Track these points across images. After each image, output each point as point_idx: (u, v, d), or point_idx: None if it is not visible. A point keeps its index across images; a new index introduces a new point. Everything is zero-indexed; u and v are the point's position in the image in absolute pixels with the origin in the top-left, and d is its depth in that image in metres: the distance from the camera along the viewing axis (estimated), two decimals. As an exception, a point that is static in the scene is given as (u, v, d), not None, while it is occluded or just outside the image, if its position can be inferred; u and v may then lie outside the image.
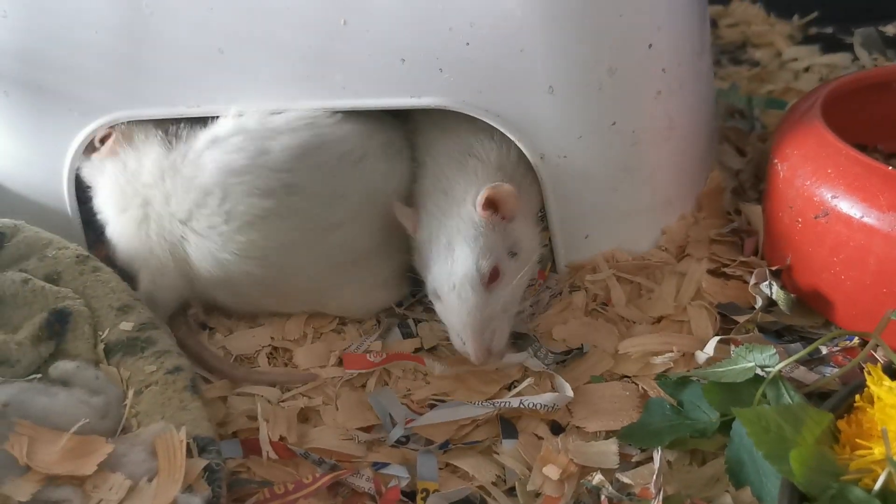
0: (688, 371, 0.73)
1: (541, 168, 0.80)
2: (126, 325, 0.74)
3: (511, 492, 0.66)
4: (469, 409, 0.72)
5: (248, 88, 0.81)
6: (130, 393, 0.69)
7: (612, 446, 0.68)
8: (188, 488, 0.60)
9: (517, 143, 0.79)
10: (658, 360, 0.76)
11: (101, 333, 0.73)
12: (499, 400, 0.72)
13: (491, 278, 0.73)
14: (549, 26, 0.76)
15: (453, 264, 0.74)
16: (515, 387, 0.75)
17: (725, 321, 0.80)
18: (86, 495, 0.60)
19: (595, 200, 0.84)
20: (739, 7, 1.45)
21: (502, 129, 0.79)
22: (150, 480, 0.61)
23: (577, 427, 0.71)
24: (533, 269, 0.80)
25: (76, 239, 0.87)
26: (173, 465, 0.61)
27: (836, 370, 0.70)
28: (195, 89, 0.81)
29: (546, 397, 0.71)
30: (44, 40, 0.81)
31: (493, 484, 0.67)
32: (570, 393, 0.72)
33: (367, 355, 0.79)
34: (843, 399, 0.58)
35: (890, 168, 0.71)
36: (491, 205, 0.75)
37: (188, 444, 0.63)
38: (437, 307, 0.76)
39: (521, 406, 0.71)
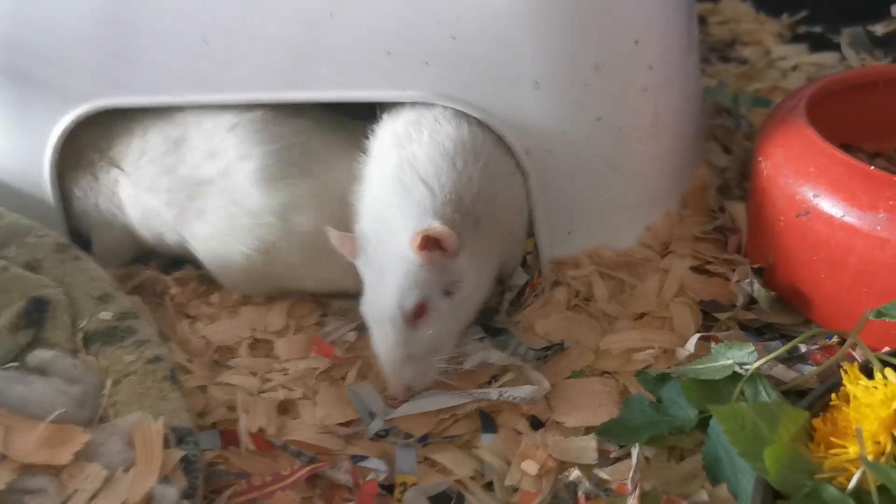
0: (668, 367, 0.73)
1: (526, 163, 0.80)
2: (105, 315, 0.73)
3: (489, 486, 0.66)
4: (446, 398, 0.72)
5: (232, 80, 0.81)
6: (108, 382, 0.68)
7: (590, 442, 0.68)
8: (165, 479, 0.60)
9: (503, 137, 0.79)
10: (639, 356, 0.76)
11: (80, 322, 0.73)
12: (477, 391, 0.72)
13: (416, 315, 0.70)
14: (536, 21, 0.76)
15: (378, 297, 0.71)
16: (496, 381, 0.75)
17: (707, 318, 0.80)
18: (62, 485, 0.60)
19: (580, 196, 0.84)
20: (729, 5, 1.45)
21: (488, 124, 0.78)
22: (126, 471, 0.60)
23: (557, 422, 0.71)
24: (474, 307, 0.75)
25: (57, 227, 0.87)
26: (150, 455, 0.61)
27: (814, 368, 0.71)
28: (179, 79, 0.81)
29: (524, 390, 0.71)
30: (26, 27, 0.80)
31: (472, 478, 0.67)
32: (547, 384, 0.72)
33: (335, 349, 0.79)
34: (819, 397, 0.58)
35: (872, 168, 0.72)
36: (431, 243, 0.69)
37: (166, 434, 0.63)
38: (370, 333, 0.73)
39: (501, 398, 0.71)
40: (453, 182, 0.73)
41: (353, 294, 0.83)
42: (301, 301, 0.86)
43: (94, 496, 0.59)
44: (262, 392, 0.75)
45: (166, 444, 0.62)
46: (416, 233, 0.68)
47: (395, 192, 0.73)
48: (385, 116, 0.81)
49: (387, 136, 0.78)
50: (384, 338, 0.71)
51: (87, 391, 0.67)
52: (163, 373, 0.69)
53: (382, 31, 0.76)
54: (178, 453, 0.62)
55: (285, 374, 0.77)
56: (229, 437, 0.70)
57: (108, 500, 0.58)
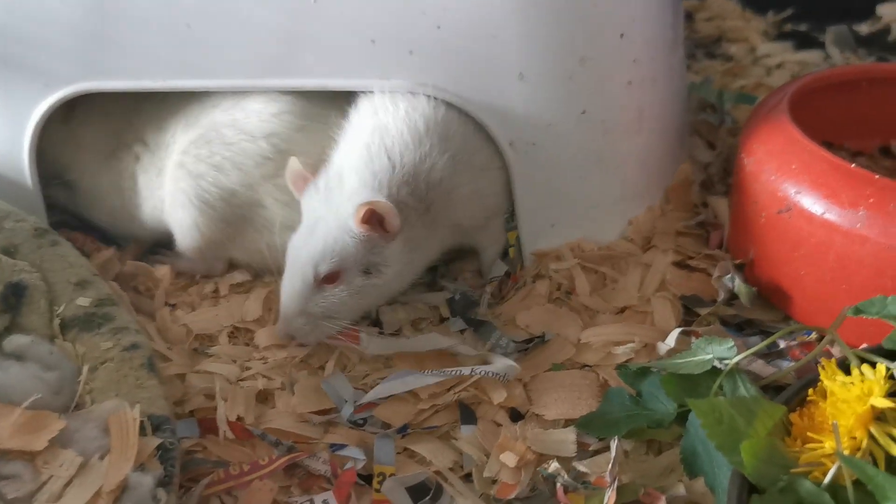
0: (648, 362, 0.73)
1: (509, 155, 0.80)
2: (83, 301, 0.73)
3: (468, 478, 0.66)
4: (417, 378, 0.71)
5: (215, 66, 0.80)
6: (85, 369, 0.68)
7: (570, 435, 0.68)
8: (140, 467, 0.59)
9: (487, 128, 0.79)
10: (620, 350, 0.76)
11: (57, 308, 0.72)
12: (448, 369, 0.72)
13: (327, 280, 0.72)
14: (522, 12, 0.76)
15: (302, 246, 0.73)
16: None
17: (688, 313, 0.80)
18: (36, 471, 0.59)
19: (563, 189, 0.84)
20: (716, 1, 1.45)
21: (472, 115, 0.78)
22: (101, 458, 0.60)
23: (536, 415, 0.71)
24: (383, 295, 0.78)
25: (36, 212, 0.86)
26: (126, 443, 0.60)
27: (792, 364, 0.71)
28: (161, 64, 0.80)
29: (497, 366, 0.72)
30: (6, 10, 0.79)
31: (450, 469, 0.67)
32: (516, 365, 0.72)
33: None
34: (796, 392, 0.58)
35: (853, 166, 0.72)
36: (374, 218, 0.71)
37: (142, 422, 0.62)
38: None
39: (473, 374, 0.71)
40: (415, 164, 0.74)
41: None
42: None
43: (68, 483, 0.58)
44: (241, 380, 0.75)
45: (143, 432, 0.62)
46: (362, 203, 0.70)
47: (359, 157, 0.75)
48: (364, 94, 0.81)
49: (366, 105, 0.79)
50: (290, 286, 0.73)
51: (63, 377, 0.66)
52: (140, 360, 0.69)
53: (367, 19, 0.76)
54: (154, 441, 0.61)
55: (264, 363, 0.77)
56: (207, 426, 0.70)
57: (82, 486, 0.58)
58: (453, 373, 0.72)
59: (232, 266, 0.89)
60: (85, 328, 0.71)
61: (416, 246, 0.76)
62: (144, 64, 0.80)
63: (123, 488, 0.57)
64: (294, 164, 0.76)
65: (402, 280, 0.77)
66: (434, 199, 0.75)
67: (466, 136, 0.78)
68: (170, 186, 0.84)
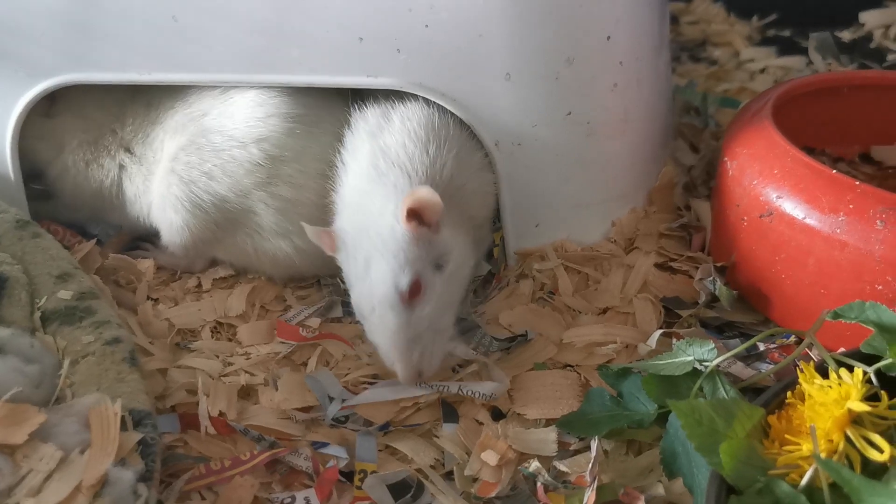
0: (630, 362, 0.74)
1: (495, 155, 0.80)
2: (65, 294, 0.72)
3: (449, 476, 0.66)
4: (405, 389, 0.72)
5: (201, 59, 0.80)
6: (66, 363, 0.67)
7: (551, 434, 0.68)
8: (121, 461, 0.59)
9: (473, 128, 0.79)
10: (601, 350, 0.77)
11: (38, 301, 0.72)
12: (437, 383, 0.72)
13: (412, 294, 0.68)
14: (509, 12, 0.76)
15: (371, 284, 0.69)
16: (458, 371, 0.75)
17: (669, 314, 0.81)
18: (16, 465, 0.58)
19: (547, 190, 0.84)
20: (701, 5, 1.47)
21: (458, 114, 0.78)
22: (82, 452, 0.59)
23: (518, 414, 0.71)
24: (465, 282, 0.75)
25: (17, 204, 0.85)
26: (106, 437, 0.60)
27: (771, 367, 0.72)
28: (147, 56, 0.80)
29: (486, 386, 0.71)
30: (-9, -2, 0.79)
31: (432, 467, 0.67)
32: (507, 383, 0.72)
33: (301, 329, 0.79)
34: (775, 395, 0.59)
35: (834, 172, 0.73)
36: (414, 215, 0.69)
37: (123, 416, 0.62)
38: (365, 327, 0.72)
39: (460, 392, 0.71)
40: (426, 167, 0.74)
41: (309, 279, 0.85)
42: (264, 286, 0.86)
43: (48, 477, 0.58)
44: (224, 376, 0.75)
45: (123, 427, 0.61)
46: (403, 199, 0.68)
47: (370, 181, 0.73)
48: (359, 108, 0.80)
49: (360, 128, 0.79)
50: (384, 324, 0.69)
51: (44, 371, 0.66)
52: (121, 354, 0.68)
53: (354, 15, 0.76)
54: (135, 436, 0.61)
55: (247, 359, 0.77)
56: (189, 421, 0.69)
57: (62, 481, 0.57)
58: (441, 388, 0.72)
59: (214, 262, 0.88)
60: (66, 321, 0.71)
61: (460, 228, 0.74)
62: (130, 56, 0.80)
63: (103, 483, 0.57)
64: (310, 230, 0.74)
65: (468, 264, 0.75)
66: (451, 195, 0.73)
67: (463, 138, 0.79)
68: (160, 191, 0.84)
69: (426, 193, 0.68)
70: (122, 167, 0.88)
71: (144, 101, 0.87)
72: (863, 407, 0.52)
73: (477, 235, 0.82)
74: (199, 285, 0.87)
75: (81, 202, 0.91)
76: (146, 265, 0.87)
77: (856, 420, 0.53)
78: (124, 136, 0.87)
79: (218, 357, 0.77)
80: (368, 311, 0.70)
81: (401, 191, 0.71)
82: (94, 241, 0.89)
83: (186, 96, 0.84)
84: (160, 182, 0.84)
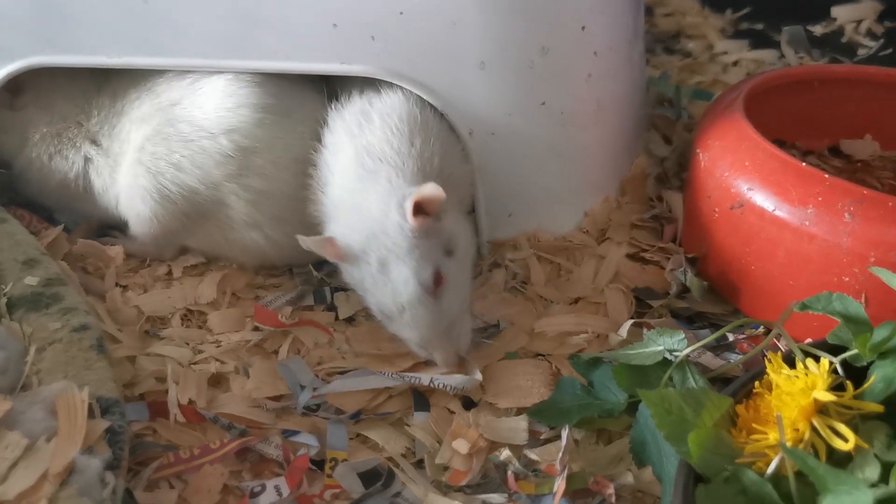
0: (601, 352, 0.74)
1: (469, 144, 0.80)
2: (31, 280, 0.71)
3: (420, 464, 0.66)
4: (378, 379, 0.72)
5: (173, 44, 0.79)
6: (32, 350, 0.66)
7: (521, 423, 0.69)
8: (88, 449, 0.58)
9: (447, 116, 0.79)
10: (573, 340, 0.77)
11: (4, 287, 0.71)
12: (409, 374, 0.72)
13: (436, 285, 0.69)
14: (484, 1, 0.76)
15: (394, 286, 0.69)
16: (431, 363, 0.75)
17: (641, 305, 0.82)
18: (-20, 453, 0.58)
19: (521, 179, 0.84)
20: (675, -3, 1.47)
21: (432, 102, 0.78)
22: (48, 440, 0.59)
23: (489, 403, 0.71)
24: (473, 260, 0.76)
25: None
26: (73, 425, 0.59)
27: (740, 357, 0.73)
28: (117, 40, 0.78)
29: (456, 379, 0.71)
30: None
31: (403, 456, 0.67)
32: (479, 377, 0.72)
33: (279, 315, 0.78)
34: (743, 385, 0.59)
35: (804, 164, 0.74)
36: (419, 210, 0.69)
37: (90, 404, 0.61)
38: (389, 326, 0.72)
39: (431, 385, 0.71)
40: (414, 159, 0.73)
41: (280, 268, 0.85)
42: (235, 273, 0.85)
43: (14, 465, 0.57)
44: (194, 364, 0.74)
45: (91, 415, 0.61)
46: (408, 198, 0.68)
47: (359, 179, 0.73)
48: (336, 105, 0.80)
49: (338, 127, 0.78)
50: (418, 320, 0.69)
51: (9, 358, 0.65)
52: (89, 342, 0.68)
53: (328, 1, 0.75)
54: (102, 424, 0.60)
55: (218, 347, 0.76)
56: (157, 409, 0.69)
57: (28, 468, 0.56)
58: (412, 379, 0.71)
59: (185, 250, 0.88)
60: (33, 308, 0.70)
61: (460, 213, 0.75)
62: (100, 39, 0.78)
63: (70, 471, 0.56)
64: (307, 240, 0.71)
65: (473, 245, 0.76)
66: (442, 183, 0.71)
67: (445, 128, 0.79)
68: (127, 181, 0.83)
69: (431, 189, 0.67)
70: (87, 159, 0.86)
71: (111, 91, 0.85)
72: (829, 397, 0.53)
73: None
74: (170, 273, 0.86)
75: (47, 193, 0.89)
76: (115, 251, 0.86)
77: (822, 410, 0.54)
78: (90, 129, 0.86)
79: (188, 345, 0.76)
80: (396, 311, 0.70)
81: (396, 186, 0.71)
82: (62, 227, 0.88)
83: (154, 86, 0.82)
84: (127, 173, 0.82)
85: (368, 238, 0.70)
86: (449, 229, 0.72)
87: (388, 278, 0.69)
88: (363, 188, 0.72)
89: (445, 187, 0.70)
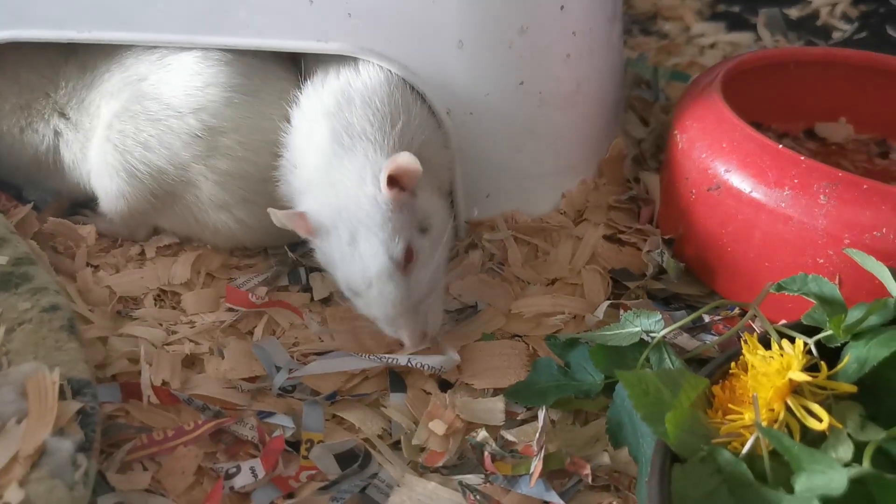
0: (577, 333, 0.74)
1: (447, 123, 0.80)
2: (0, 259, 0.70)
3: (396, 445, 0.66)
4: (354, 361, 0.71)
5: (143, 17, 0.77)
6: (1, 330, 0.65)
7: (498, 404, 0.69)
8: (59, 431, 0.57)
9: (424, 96, 0.78)
10: (550, 321, 0.77)
11: (-29, 266, 0.69)
12: (386, 355, 0.72)
13: (406, 261, 0.68)
14: (463, -21, 0.75)
15: (362, 259, 0.68)
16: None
17: (617, 286, 0.82)
18: (-52, 435, 0.57)
19: (499, 160, 0.84)
20: (653, -22, 1.47)
21: (410, 81, 0.77)
22: (18, 422, 0.58)
23: (466, 384, 0.71)
24: (450, 241, 0.74)
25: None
26: (44, 406, 0.58)
27: (716, 338, 0.73)
28: (86, 13, 0.77)
29: (434, 359, 0.71)
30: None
31: (379, 437, 0.67)
32: (457, 357, 0.72)
33: (250, 295, 0.78)
34: (719, 365, 0.60)
35: (780, 147, 0.74)
36: (393, 182, 0.68)
37: (62, 385, 0.60)
38: (357, 303, 0.71)
39: (409, 364, 0.71)
40: (395, 138, 0.72)
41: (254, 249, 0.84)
42: (210, 254, 0.84)
43: (-17, 447, 0.56)
44: (167, 345, 0.73)
45: (62, 396, 0.60)
46: (384, 167, 0.67)
47: (336, 157, 0.71)
48: (309, 86, 0.78)
49: (314, 107, 0.76)
50: (385, 295, 0.68)
51: (-23, 339, 0.64)
52: (60, 322, 0.66)
53: (305, -23, 0.74)
54: (74, 405, 0.59)
55: (192, 327, 0.75)
56: (130, 390, 0.68)
57: (-2, 451, 0.56)
58: (390, 360, 0.71)
59: (158, 230, 0.86)
60: (2, 288, 0.68)
61: (436, 192, 0.74)
62: (69, 13, 0.77)
63: (41, 453, 0.56)
64: (278, 214, 0.70)
65: (448, 225, 0.74)
66: (421, 158, 0.70)
67: (426, 114, 0.78)
68: (96, 158, 0.81)
69: (406, 158, 0.66)
70: (57, 133, 0.84)
71: (79, 62, 0.83)
72: (803, 377, 0.53)
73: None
74: (143, 253, 0.85)
75: (18, 168, 0.88)
76: (87, 230, 0.84)
77: (796, 390, 0.54)
78: (58, 101, 0.84)
79: (161, 325, 0.76)
80: (363, 286, 0.69)
81: (373, 161, 0.70)
82: (31, 205, 0.86)
83: (123, 59, 0.81)
84: (96, 149, 0.81)
85: (340, 211, 0.69)
86: (424, 207, 0.71)
87: (358, 251, 0.68)
88: (339, 164, 0.71)
89: (424, 170, 0.69)
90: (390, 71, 0.77)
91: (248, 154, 0.78)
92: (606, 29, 0.89)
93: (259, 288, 0.80)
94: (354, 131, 0.72)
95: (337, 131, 0.72)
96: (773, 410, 0.54)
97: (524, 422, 0.68)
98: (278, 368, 0.72)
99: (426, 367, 0.71)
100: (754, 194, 0.73)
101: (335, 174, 0.71)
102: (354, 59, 0.77)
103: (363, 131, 0.72)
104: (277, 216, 0.70)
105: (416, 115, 0.76)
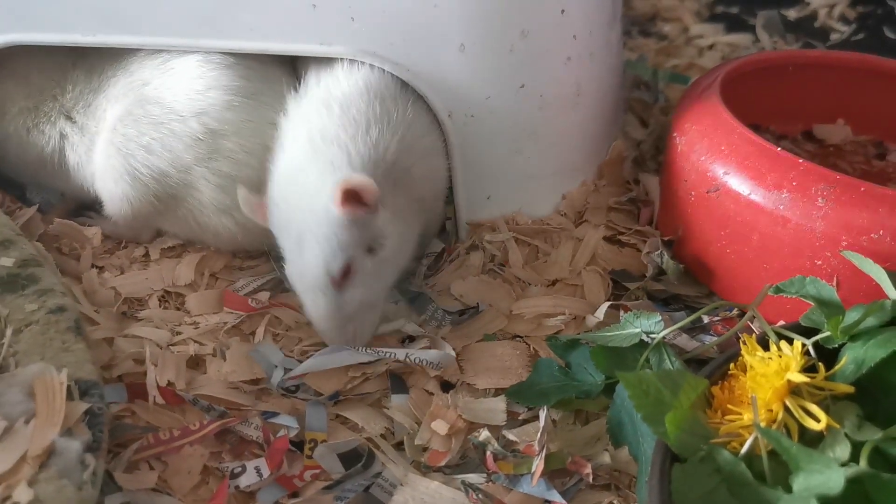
0: (578, 334, 0.75)
1: (448, 126, 0.80)
2: (6, 261, 0.70)
3: (399, 445, 0.67)
4: (350, 355, 0.72)
5: (149, 21, 0.78)
6: (9, 332, 0.66)
7: (500, 404, 0.69)
8: (67, 432, 0.58)
9: (426, 98, 0.79)
10: (550, 321, 0.78)
11: (-22, 268, 0.70)
12: (383, 349, 0.72)
13: (343, 277, 0.69)
14: (464, -17, 0.76)
15: (303, 264, 0.69)
16: (407, 344, 0.75)
17: (617, 287, 0.82)
18: (-43, 436, 0.57)
19: (499, 162, 0.84)
20: (652, -20, 1.47)
21: (412, 84, 0.78)
22: (26, 422, 0.58)
23: (468, 384, 0.72)
24: (401, 264, 0.74)
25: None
26: (52, 407, 0.59)
27: (715, 339, 0.74)
28: (92, 16, 0.77)
29: (432, 353, 0.72)
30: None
31: (382, 436, 0.67)
32: (452, 352, 0.73)
33: (249, 300, 0.78)
34: (718, 366, 0.61)
35: (779, 149, 0.75)
36: (352, 197, 0.67)
37: (69, 386, 0.61)
38: (300, 300, 0.73)
39: (407, 360, 0.72)
40: (368, 148, 0.72)
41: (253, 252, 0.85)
42: (213, 255, 0.85)
43: (-8, 447, 0.57)
44: (172, 345, 0.74)
45: (70, 397, 0.60)
46: (337, 184, 0.67)
47: (305, 155, 0.72)
48: (293, 94, 0.79)
49: (297, 114, 0.77)
50: (316, 305, 0.70)
51: (-15, 340, 0.65)
52: (66, 323, 0.67)
53: (308, -18, 0.75)
54: (81, 405, 0.60)
55: (196, 328, 0.76)
56: (136, 391, 0.69)
57: (7, 451, 0.56)
58: (388, 354, 0.72)
59: (162, 232, 0.87)
60: (8, 289, 0.69)
61: (401, 214, 0.73)
62: (74, 16, 0.77)
63: (50, 453, 0.56)
64: (243, 193, 0.72)
65: (404, 250, 0.74)
66: (396, 178, 0.73)
67: (409, 121, 0.77)
68: (101, 161, 0.82)
69: (360, 180, 0.67)
70: (63, 135, 0.85)
71: (86, 66, 0.84)
72: (801, 378, 0.54)
73: (427, 217, 0.82)
74: (147, 254, 0.85)
75: (24, 169, 0.88)
76: (93, 232, 0.85)
77: (794, 391, 0.55)
78: (65, 104, 0.85)
79: (166, 326, 0.76)
80: (301, 290, 0.71)
81: (337, 168, 0.70)
82: (36, 207, 0.87)
83: (128, 64, 0.82)
84: (100, 152, 0.82)
85: (295, 209, 0.70)
86: (381, 226, 0.70)
87: (301, 255, 0.69)
88: (307, 166, 0.71)
89: (400, 183, 0.71)
90: (377, 77, 0.77)
91: (248, 158, 0.79)
92: (606, 32, 0.89)
93: (261, 291, 0.81)
94: (328, 136, 0.72)
95: (312, 133, 0.73)
96: (771, 411, 0.54)
97: (525, 422, 0.69)
98: (276, 367, 0.72)
99: (423, 362, 0.71)
100: (753, 196, 0.73)
101: (300, 175, 0.71)
102: (340, 65, 0.78)
103: (336, 137, 0.72)
104: (242, 193, 0.72)
105: (397, 124, 0.75)
